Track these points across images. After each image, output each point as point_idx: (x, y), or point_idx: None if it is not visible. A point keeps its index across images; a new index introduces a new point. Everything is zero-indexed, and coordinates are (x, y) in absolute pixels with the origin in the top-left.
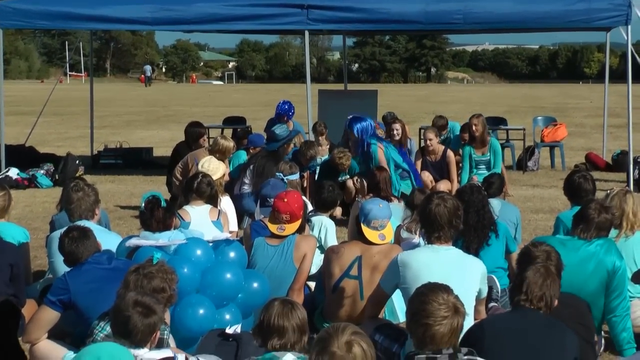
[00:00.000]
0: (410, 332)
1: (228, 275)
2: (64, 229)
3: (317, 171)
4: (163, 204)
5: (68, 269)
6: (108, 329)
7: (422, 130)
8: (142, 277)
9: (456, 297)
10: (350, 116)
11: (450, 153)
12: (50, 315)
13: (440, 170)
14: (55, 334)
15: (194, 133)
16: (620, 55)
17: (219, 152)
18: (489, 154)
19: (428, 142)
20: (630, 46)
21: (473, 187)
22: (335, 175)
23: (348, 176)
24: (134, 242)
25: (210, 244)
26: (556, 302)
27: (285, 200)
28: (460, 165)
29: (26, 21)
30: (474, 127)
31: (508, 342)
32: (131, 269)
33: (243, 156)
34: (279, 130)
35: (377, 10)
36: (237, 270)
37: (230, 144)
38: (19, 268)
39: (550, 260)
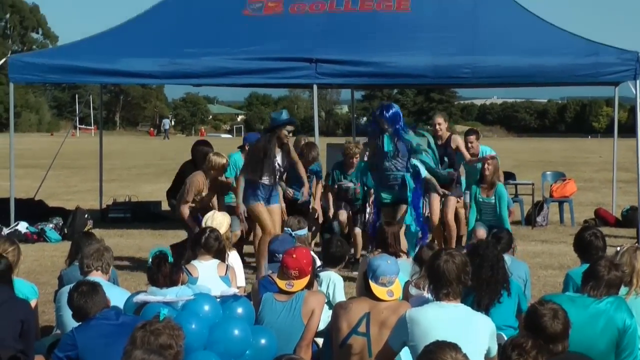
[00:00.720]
0: None
1: (236, 332)
2: (74, 283)
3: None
4: (170, 259)
5: (76, 324)
6: None
7: None
8: (149, 334)
9: (464, 355)
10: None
11: (455, 137)
12: None
13: (444, 153)
14: None
15: (201, 152)
16: (629, 110)
17: (212, 170)
18: (494, 198)
19: (437, 126)
20: (638, 101)
21: (489, 242)
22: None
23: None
24: (141, 298)
25: (218, 300)
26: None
27: (294, 256)
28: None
29: (36, 75)
30: (485, 166)
31: None
32: (138, 326)
33: (239, 158)
34: (275, 114)
35: (385, 64)
36: (245, 327)
37: (223, 160)
38: (29, 324)
39: (557, 319)
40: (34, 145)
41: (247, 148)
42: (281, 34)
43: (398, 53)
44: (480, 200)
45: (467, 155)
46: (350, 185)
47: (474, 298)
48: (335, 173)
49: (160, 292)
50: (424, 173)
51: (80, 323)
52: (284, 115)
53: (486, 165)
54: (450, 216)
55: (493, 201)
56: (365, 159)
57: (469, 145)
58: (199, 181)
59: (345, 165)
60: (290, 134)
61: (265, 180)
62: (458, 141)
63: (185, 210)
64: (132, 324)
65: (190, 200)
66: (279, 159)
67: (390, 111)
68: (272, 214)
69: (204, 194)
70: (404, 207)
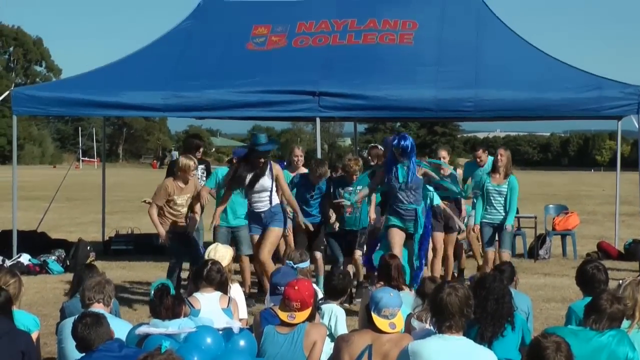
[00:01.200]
0: None
1: None
2: (78, 314)
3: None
4: (172, 292)
5: (79, 356)
6: None
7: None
8: None
9: None
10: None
11: (459, 170)
12: None
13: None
14: None
15: (190, 143)
16: (632, 143)
17: (180, 171)
18: (506, 187)
19: (442, 159)
20: None
21: (496, 275)
22: (345, 185)
23: (360, 188)
24: (143, 330)
25: (221, 332)
26: None
27: (296, 288)
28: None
29: (40, 108)
30: (498, 156)
31: None
32: (140, 358)
33: (222, 173)
34: (254, 138)
35: (388, 98)
36: (247, 359)
37: (190, 161)
38: (30, 356)
39: (560, 352)
40: (36, 178)
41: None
42: (284, 67)
43: (401, 86)
44: (491, 188)
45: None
46: (347, 203)
47: (477, 330)
48: (337, 191)
49: (163, 324)
50: (437, 201)
51: (83, 355)
52: (262, 139)
53: (499, 156)
54: (450, 251)
55: (505, 190)
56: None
57: (478, 160)
58: (166, 185)
59: (346, 181)
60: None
61: (254, 207)
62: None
63: (153, 211)
64: (134, 356)
65: (159, 204)
66: (267, 183)
67: (405, 142)
68: (265, 233)
69: (176, 197)
70: (409, 240)
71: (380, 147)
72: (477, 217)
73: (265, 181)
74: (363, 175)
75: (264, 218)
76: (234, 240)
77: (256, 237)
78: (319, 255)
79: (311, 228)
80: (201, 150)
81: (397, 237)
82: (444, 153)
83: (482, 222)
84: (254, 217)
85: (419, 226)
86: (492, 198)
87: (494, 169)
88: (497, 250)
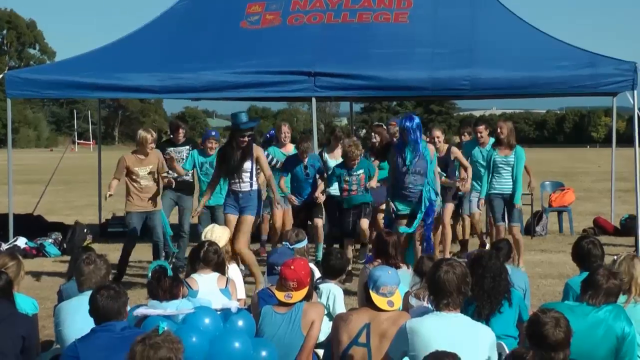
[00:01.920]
0: None
1: (236, 344)
2: (98, 287)
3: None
4: (170, 273)
5: (76, 338)
6: None
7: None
8: (148, 348)
9: None
10: (401, 117)
11: (454, 149)
12: None
13: (445, 164)
14: None
15: (171, 125)
16: (628, 119)
17: (139, 145)
18: (513, 157)
19: (436, 139)
20: (636, 111)
21: (492, 253)
22: (346, 168)
23: (361, 171)
24: (141, 311)
25: (219, 313)
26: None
27: (292, 267)
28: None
29: (34, 91)
30: (499, 130)
31: None
32: (137, 339)
33: (196, 155)
34: (234, 116)
35: (384, 77)
36: (246, 339)
37: (148, 134)
38: (30, 340)
39: (559, 327)
40: (32, 161)
41: (211, 145)
42: (279, 47)
43: (397, 65)
44: (499, 159)
45: (467, 164)
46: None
47: (474, 308)
48: (342, 173)
49: (161, 306)
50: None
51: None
52: (243, 118)
53: (499, 129)
54: (447, 220)
55: (512, 160)
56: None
57: (478, 135)
58: (123, 159)
59: (347, 166)
60: (247, 138)
61: (233, 186)
62: (456, 152)
63: (111, 183)
64: (134, 337)
65: (118, 178)
66: (247, 164)
67: (407, 122)
68: (239, 224)
69: (137, 169)
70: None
71: (384, 125)
72: (483, 191)
73: (246, 162)
74: (362, 160)
75: (241, 200)
76: (212, 220)
77: (230, 216)
78: (319, 222)
79: (295, 202)
80: (182, 131)
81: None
82: (437, 133)
83: (492, 195)
84: (231, 196)
85: (423, 206)
86: (500, 170)
87: (498, 142)
88: (507, 224)
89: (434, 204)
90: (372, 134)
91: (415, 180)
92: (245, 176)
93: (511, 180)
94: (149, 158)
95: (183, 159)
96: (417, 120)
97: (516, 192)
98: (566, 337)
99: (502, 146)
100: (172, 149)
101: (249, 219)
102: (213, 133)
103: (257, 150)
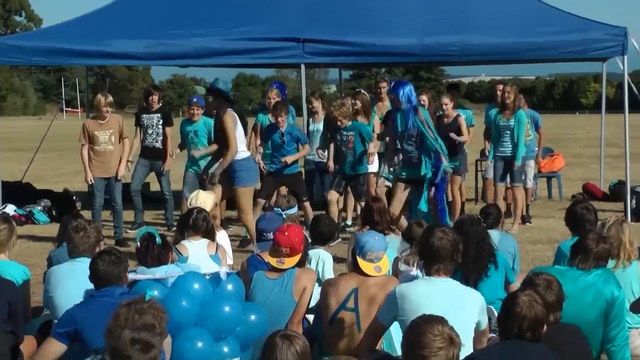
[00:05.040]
0: None
1: (227, 308)
2: (100, 251)
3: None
4: (158, 240)
5: (67, 304)
6: None
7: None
8: (134, 312)
9: (451, 328)
10: (393, 82)
11: (461, 118)
12: (56, 348)
13: (449, 131)
14: None
15: (145, 90)
16: (617, 85)
17: (96, 109)
18: (513, 121)
19: (444, 106)
20: (626, 76)
21: (473, 218)
22: (335, 130)
23: (351, 132)
24: (131, 276)
25: (208, 278)
26: (545, 329)
27: (286, 233)
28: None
29: (21, 58)
30: (506, 94)
31: None
32: (123, 303)
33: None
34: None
35: (373, 43)
36: (236, 304)
37: (102, 97)
38: (16, 305)
39: (550, 290)
40: (20, 129)
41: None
42: (268, 13)
43: (386, 31)
44: (502, 124)
45: (466, 137)
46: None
47: (461, 275)
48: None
49: (150, 271)
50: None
51: (82, 300)
52: (217, 83)
53: (506, 94)
54: (456, 192)
55: (512, 124)
56: None
57: (444, 107)
58: (84, 124)
59: (334, 126)
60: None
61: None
62: (462, 123)
63: (82, 152)
64: None
65: (83, 143)
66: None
67: (397, 88)
68: (236, 201)
69: (97, 133)
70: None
71: (363, 91)
72: (490, 155)
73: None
74: (354, 122)
75: (229, 170)
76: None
77: (218, 185)
78: (305, 205)
79: (265, 167)
80: (155, 97)
81: (399, 191)
82: (446, 100)
83: (495, 157)
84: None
85: (424, 168)
86: (503, 133)
87: (504, 106)
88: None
89: (440, 170)
90: (354, 100)
91: (411, 143)
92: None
93: (512, 143)
94: (108, 122)
95: (154, 125)
96: (406, 86)
97: (517, 153)
98: (557, 300)
99: (507, 110)
100: (145, 115)
101: (240, 192)
102: (195, 99)
103: (227, 116)
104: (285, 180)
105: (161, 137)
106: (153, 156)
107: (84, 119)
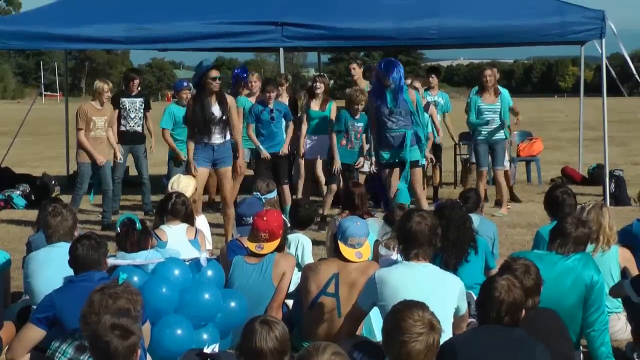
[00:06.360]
0: (386, 350)
1: (206, 296)
2: (79, 235)
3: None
4: (138, 226)
5: (46, 289)
6: (70, 351)
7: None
8: (107, 297)
9: (432, 313)
10: (383, 62)
11: (432, 107)
12: (35, 334)
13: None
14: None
15: (126, 75)
16: (595, 69)
17: (96, 94)
18: (499, 102)
19: (430, 79)
20: (604, 59)
21: (454, 203)
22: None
23: (362, 124)
24: (111, 261)
25: (188, 264)
26: (523, 313)
27: (265, 218)
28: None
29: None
30: (487, 77)
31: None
32: (96, 289)
33: (175, 109)
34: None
35: (352, 27)
36: (216, 291)
37: (105, 84)
38: None
39: (528, 274)
40: None
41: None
42: None
43: (364, 15)
44: (484, 107)
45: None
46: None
47: (441, 259)
48: (346, 117)
49: (130, 256)
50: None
51: (60, 286)
52: (209, 60)
53: (487, 77)
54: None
55: (499, 106)
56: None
57: (484, 80)
58: (83, 109)
59: (351, 111)
60: (218, 80)
61: (206, 139)
62: (434, 113)
63: (81, 137)
64: None
65: (82, 128)
66: (215, 111)
67: (387, 66)
68: (223, 178)
69: (95, 118)
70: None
71: (326, 76)
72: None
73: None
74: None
75: (216, 152)
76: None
77: (202, 169)
78: (284, 188)
79: (268, 156)
80: (136, 82)
81: (393, 179)
82: (418, 85)
83: (478, 141)
84: (204, 150)
85: (407, 147)
86: (486, 117)
87: (483, 88)
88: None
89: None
90: (315, 83)
91: (397, 120)
92: (220, 126)
93: (497, 127)
94: (105, 108)
95: (136, 109)
96: (397, 64)
97: (504, 129)
98: (535, 285)
99: (487, 93)
100: (126, 99)
101: (230, 170)
102: (185, 83)
103: (230, 98)
104: (277, 161)
105: (141, 121)
106: (132, 141)
107: (76, 103)
